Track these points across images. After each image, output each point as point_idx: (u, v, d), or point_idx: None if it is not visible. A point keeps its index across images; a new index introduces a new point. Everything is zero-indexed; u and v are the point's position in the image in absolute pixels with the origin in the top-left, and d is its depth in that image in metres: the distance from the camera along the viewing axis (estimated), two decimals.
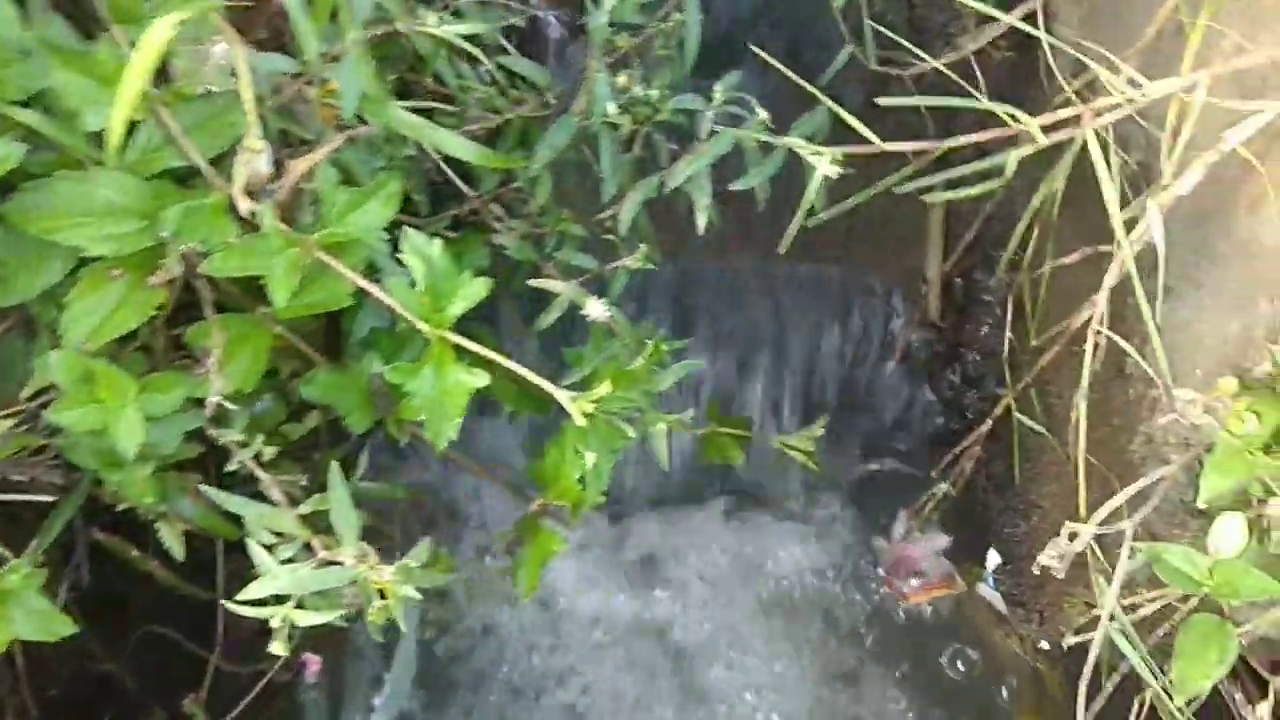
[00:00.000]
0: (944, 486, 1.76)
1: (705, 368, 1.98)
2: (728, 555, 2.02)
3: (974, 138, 1.02)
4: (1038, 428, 1.43)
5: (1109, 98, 0.99)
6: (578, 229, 1.39)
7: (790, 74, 1.11)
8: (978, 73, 1.23)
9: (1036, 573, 1.14)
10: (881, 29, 1.46)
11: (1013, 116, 0.97)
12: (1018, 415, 1.52)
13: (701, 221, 1.27)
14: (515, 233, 1.38)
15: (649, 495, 2.07)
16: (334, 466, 0.96)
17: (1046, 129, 0.99)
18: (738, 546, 2.02)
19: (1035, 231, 1.57)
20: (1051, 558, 1.05)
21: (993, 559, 1.82)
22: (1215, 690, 1.20)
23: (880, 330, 1.96)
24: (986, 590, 1.81)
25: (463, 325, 1.54)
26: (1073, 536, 1.03)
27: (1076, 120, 0.99)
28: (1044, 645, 1.70)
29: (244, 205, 1.00)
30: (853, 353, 1.96)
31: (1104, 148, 1.09)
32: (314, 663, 1.94)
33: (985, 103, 1.01)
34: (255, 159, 1.07)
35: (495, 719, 1.86)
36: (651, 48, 1.38)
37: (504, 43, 1.47)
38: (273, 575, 0.91)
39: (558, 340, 1.41)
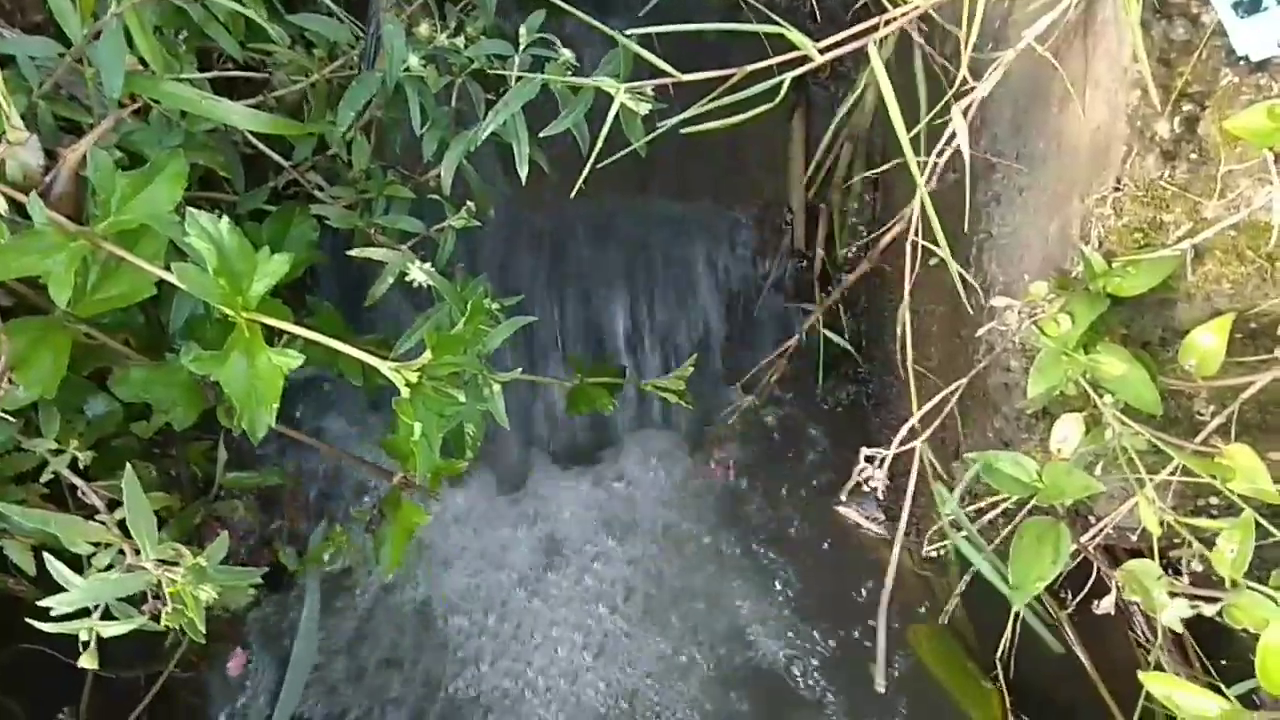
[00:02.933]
0: (749, 398, 1.77)
1: (583, 313, 1.95)
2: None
3: (762, 64, 0.98)
4: (843, 343, 1.41)
5: (902, 6, 0.96)
6: (404, 191, 1.34)
7: (581, 14, 1.06)
8: None
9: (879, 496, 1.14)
10: None
11: (791, 32, 0.94)
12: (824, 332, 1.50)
13: (523, 171, 1.22)
14: (339, 201, 1.32)
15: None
16: (129, 474, 0.91)
17: (831, 46, 0.96)
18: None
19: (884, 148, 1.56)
20: (862, 479, 1.04)
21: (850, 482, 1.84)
22: None
23: (752, 261, 1.94)
24: (852, 510, 1.82)
25: (303, 300, 1.49)
26: (871, 460, 1.03)
27: (870, 31, 0.96)
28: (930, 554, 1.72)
29: (1, 202, 0.93)
30: (726, 285, 1.94)
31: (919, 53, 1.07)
32: (237, 659, 1.89)
33: (755, 26, 0.97)
34: (17, 151, 1.00)
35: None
36: None
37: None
38: (70, 587, 0.86)
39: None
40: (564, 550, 1.95)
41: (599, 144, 1.15)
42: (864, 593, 1.84)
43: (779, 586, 1.88)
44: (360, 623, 1.90)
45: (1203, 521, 0.91)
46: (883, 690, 1.53)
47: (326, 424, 2.01)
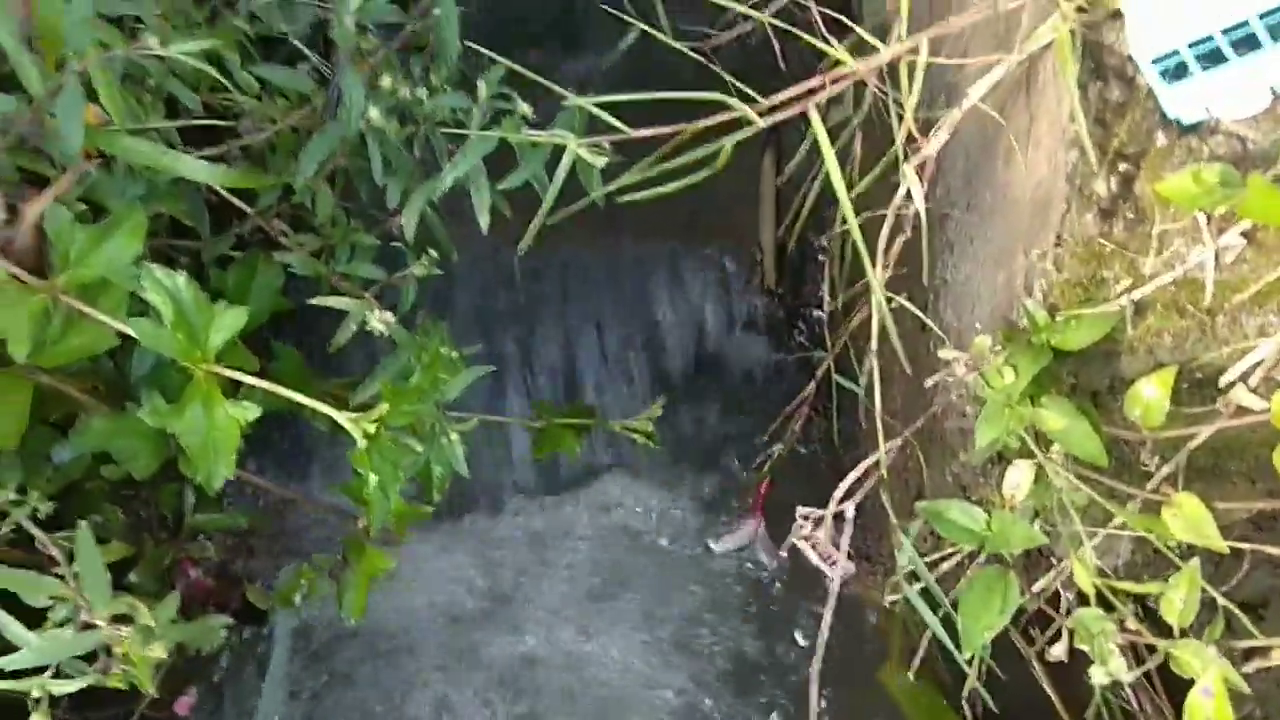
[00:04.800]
0: (778, 447, 1.78)
1: (557, 353, 1.96)
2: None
3: (700, 124, 1.00)
4: (854, 388, 1.44)
5: (844, 66, 0.98)
6: (368, 238, 1.35)
7: (529, 73, 1.08)
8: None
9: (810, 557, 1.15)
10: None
11: (731, 100, 0.96)
12: (835, 377, 1.53)
13: (484, 220, 1.24)
14: (304, 249, 1.34)
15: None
16: (82, 532, 0.92)
17: (771, 109, 0.98)
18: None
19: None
20: (800, 538, 1.05)
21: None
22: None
23: (722, 300, 1.95)
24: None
25: (268, 344, 1.49)
26: (807, 518, 1.04)
27: (810, 94, 0.99)
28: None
29: None
30: (697, 325, 1.95)
31: (879, 114, 1.09)
32: (187, 698, 1.89)
33: (701, 94, 0.99)
34: None
35: None
36: (429, 43, 1.34)
37: (301, 47, 1.42)
38: (25, 645, 0.87)
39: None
40: (538, 577, 1.94)
41: (561, 192, 1.17)
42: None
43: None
44: (330, 660, 1.90)
45: (1130, 585, 0.93)
46: None
47: (298, 458, 2.01)
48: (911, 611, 1.82)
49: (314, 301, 1.23)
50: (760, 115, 0.96)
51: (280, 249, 1.35)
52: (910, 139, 1.17)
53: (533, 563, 1.95)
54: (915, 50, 0.97)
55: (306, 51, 1.45)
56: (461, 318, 1.92)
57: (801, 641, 1.86)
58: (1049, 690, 1.69)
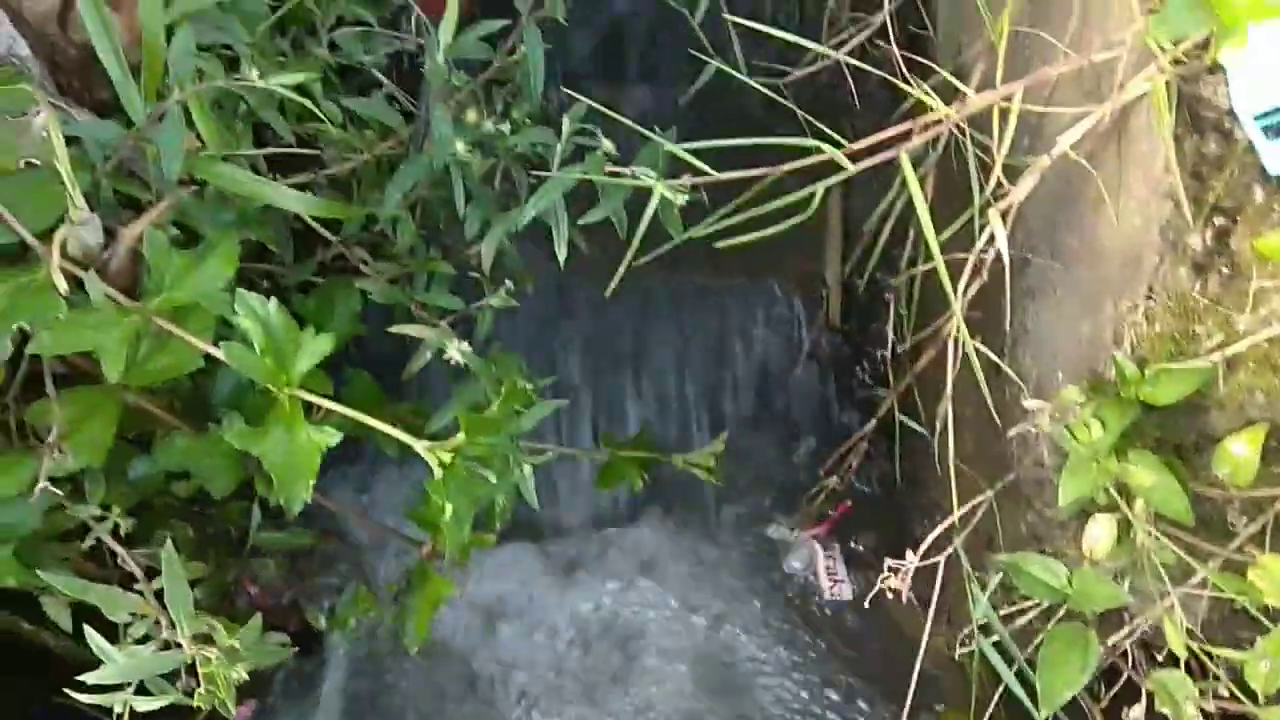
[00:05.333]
0: (832, 480, 1.76)
1: (616, 385, 1.97)
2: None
3: (788, 166, 1.00)
4: (919, 429, 1.42)
5: (932, 113, 0.98)
6: (446, 268, 1.37)
7: (615, 114, 1.09)
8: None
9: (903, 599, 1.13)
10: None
11: (824, 145, 0.96)
12: (900, 416, 1.51)
13: (562, 254, 1.25)
14: (382, 276, 1.36)
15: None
16: (168, 551, 0.93)
17: (862, 153, 0.98)
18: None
19: (913, 234, 1.57)
20: (887, 581, 1.04)
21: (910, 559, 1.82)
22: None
23: (786, 336, 1.95)
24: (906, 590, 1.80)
25: (342, 368, 1.52)
26: (894, 570, 1.03)
27: (905, 137, 0.98)
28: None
29: (60, 280, 0.97)
30: (760, 360, 1.95)
31: (956, 154, 1.08)
32: (245, 708, 1.90)
33: (787, 140, 0.99)
34: (79, 231, 1.05)
35: None
36: (513, 78, 1.37)
37: (380, 77, 1.46)
38: (109, 661, 0.88)
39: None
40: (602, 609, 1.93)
41: (637, 232, 1.18)
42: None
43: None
44: (387, 687, 1.90)
45: (1227, 652, 0.90)
46: None
47: (360, 483, 2.03)
48: (981, 665, 1.79)
49: (394, 329, 1.24)
50: (850, 160, 0.96)
51: (360, 276, 1.37)
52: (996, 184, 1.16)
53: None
54: (1008, 98, 0.96)
55: (384, 80, 1.48)
56: (525, 346, 1.93)
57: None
58: None
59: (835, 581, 1.84)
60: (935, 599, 1.24)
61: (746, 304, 1.95)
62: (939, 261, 0.99)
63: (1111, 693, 1.46)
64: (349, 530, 2.01)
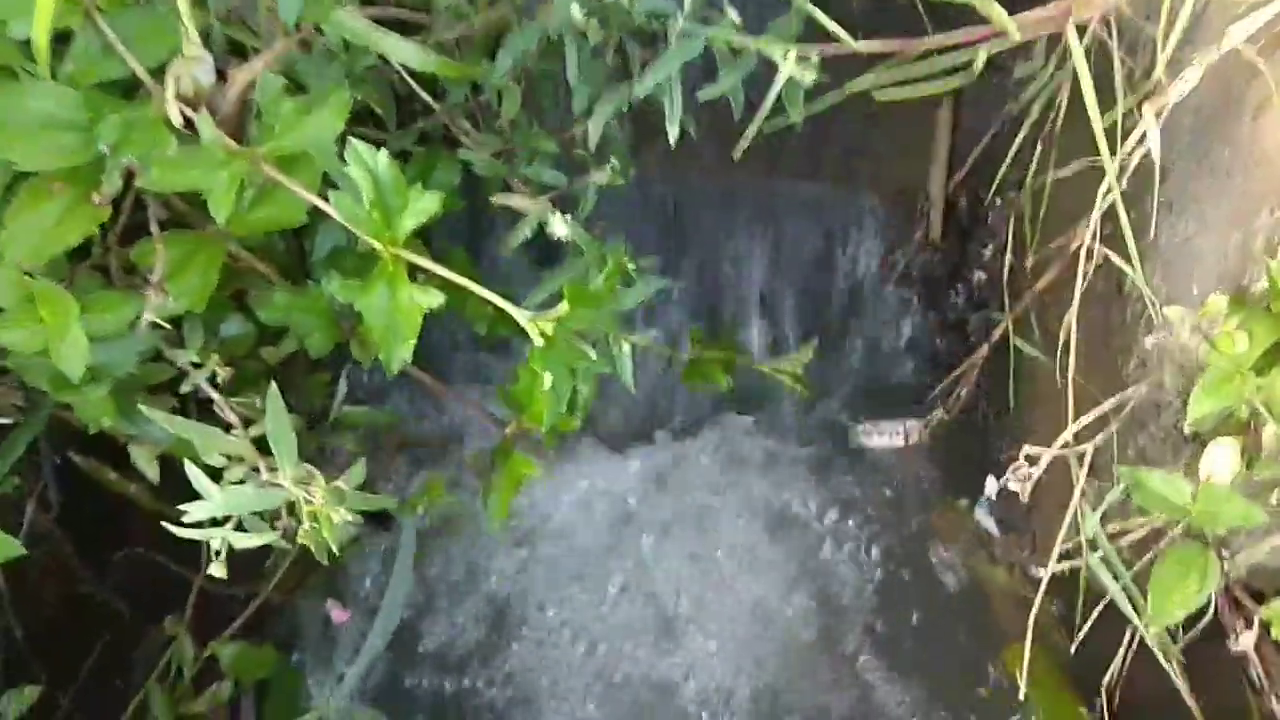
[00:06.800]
0: (939, 413, 1.71)
1: (699, 288, 1.93)
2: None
3: (944, 37, 0.94)
4: (1033, 351, 1.36)
5: None
6: (549, 144, 1.33)
7: None
8: None
9: (1023, 498, 1.09)
10: None
11: (991, 3, 0.89)
12: (1015, 340, 1.45)
13: (673, 132, 1.20)
14: (485, 148, 1.32)
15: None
16: (273, 391, 0.92)
17: (1026, 25, 0.92)
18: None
19: (1039, 146, 1.49)
20: (1012, 481, 1.00)
21: (990, 485, 1.77)
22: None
23: (879, 250, 1.89)
24: (981, 516, 1.76)
25: (435, 243, 1.49)
26: (1031, 460, 0.98)
27: (1068, 14, 0.91)
28: (1037, 572, 1.66)
29: (175, 114, 0.95)
30: (851, 272, 1.89)
31: (1093, 50, 1.01)
32: (340, 611, 1.92)
33: None
34: (192, 67, 1.03)
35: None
36: None
37: None
38: (209, 496, 0.88)
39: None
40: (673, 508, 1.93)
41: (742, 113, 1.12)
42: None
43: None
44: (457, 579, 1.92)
45: None
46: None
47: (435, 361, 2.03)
48: (1047, 592, 1.76)
49: (496, 199, 1.21)
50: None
51: (461, 147, 1.34)
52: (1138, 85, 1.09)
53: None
54: None
55: None
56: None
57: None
58: (1186, 695, 1.61)
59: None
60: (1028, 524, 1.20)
61: (837, 216, 1.89)
62: (1101, 141, 0.92)
63: (1188, 635, 1.42)
64: (424, 412, 2.02)
